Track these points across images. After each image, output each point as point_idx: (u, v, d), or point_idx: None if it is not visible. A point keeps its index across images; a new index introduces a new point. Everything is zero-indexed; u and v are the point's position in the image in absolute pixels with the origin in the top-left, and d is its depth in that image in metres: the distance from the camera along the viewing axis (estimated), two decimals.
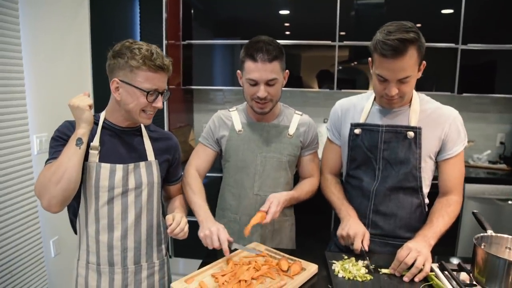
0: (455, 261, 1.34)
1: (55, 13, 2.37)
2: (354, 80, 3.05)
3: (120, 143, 1.32)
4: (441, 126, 1.41)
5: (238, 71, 1.54)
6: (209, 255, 1.38)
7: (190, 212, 1.48)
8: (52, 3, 2.32)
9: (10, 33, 2.01)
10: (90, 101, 1.22)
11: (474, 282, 1.15)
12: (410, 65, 1.28)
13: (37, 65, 2.23)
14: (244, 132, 1.60)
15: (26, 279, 2.17)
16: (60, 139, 1.25)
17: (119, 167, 1.28)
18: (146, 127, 1.40)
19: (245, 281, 1.15)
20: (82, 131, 1.19)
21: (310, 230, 2.09)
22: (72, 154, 1.18)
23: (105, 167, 1.26)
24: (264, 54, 1.42)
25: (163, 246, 1.45)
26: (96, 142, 1.26)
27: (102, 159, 1.27)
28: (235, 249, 1.34)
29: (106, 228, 1.29)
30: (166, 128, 2.81)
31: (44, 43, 2.29)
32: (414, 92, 1.46)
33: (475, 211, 1.38)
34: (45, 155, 2.38)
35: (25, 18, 2.10)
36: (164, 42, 2.71)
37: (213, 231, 1.30)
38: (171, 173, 1.50)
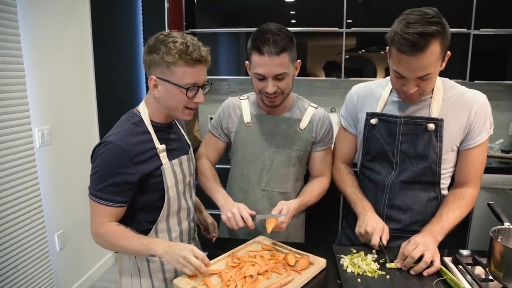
0: (465, 253, 1.29)
1: (55, 3, 2.33)
2: (361, 68, 2.98)
3: (170, 139, 1.31)
4: (467, 114, 1.29)
5: (247, 62, 1.45)
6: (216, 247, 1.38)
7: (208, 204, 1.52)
8: None
9: (8, 23, 1.97)
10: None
11: (490, 277, 1.10)
12: (432, 62, 1.14)
13: (37, 57, 2.20)
14: (253, 124, 1.54)
15: (31, 274, 2.17)
16: (117, 186, 1.16)
17: (184, 158, 1.33)
18: None
19: (251, 276, 1.12)
20: (160, 253, 1.13)
21: (319, 221, 2.04)
22: (138, 251, 1.19)
23: (175, 163, 1.28)
24: (271, 47, 1.30)
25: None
26: (158, 144, 1.24)
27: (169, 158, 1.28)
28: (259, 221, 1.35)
29: (185, 214, 1.35)
30: None
31: (44, 34, 2.25)
32: (438, 77, 1.33)
33: (490, 202, 1.32)
34: (48, 147, 2.36)
35: (23, 8, 2.06)
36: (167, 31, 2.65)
37: (235, 212, 1.29)
38: None
